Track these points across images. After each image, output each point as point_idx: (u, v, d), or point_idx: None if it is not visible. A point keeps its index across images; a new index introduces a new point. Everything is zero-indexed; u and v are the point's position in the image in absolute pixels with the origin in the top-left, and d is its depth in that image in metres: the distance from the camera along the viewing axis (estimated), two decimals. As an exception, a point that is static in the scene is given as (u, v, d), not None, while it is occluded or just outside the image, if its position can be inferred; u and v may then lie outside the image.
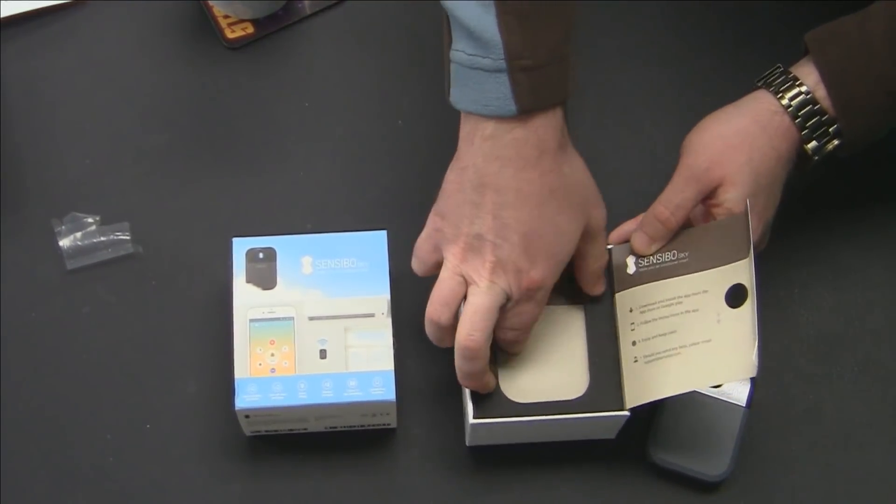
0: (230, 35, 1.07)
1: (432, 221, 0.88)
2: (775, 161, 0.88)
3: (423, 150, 1.04)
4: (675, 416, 0.94)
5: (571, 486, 0.94)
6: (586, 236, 0.87)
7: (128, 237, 0.99)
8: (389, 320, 0.92)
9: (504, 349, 0.89)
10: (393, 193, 1.02)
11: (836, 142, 0.89)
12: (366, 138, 1.04)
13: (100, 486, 0.94)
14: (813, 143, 0.89)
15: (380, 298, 0.92)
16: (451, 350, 0.96)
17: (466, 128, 0.84)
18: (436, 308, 0.86)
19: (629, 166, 1.04)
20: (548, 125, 0.83)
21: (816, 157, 0.89)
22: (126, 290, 0.99)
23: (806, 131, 0.88)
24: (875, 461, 0.95)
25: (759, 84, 0.91)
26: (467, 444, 0.94)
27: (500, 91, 0.81)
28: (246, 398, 0.89)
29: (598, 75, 1.06)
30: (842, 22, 0.88)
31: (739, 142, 0.88)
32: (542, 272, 0.84)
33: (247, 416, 0.91)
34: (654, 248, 0.89)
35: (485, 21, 0.80)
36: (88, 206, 1.00)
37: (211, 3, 1.08)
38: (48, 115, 1.05)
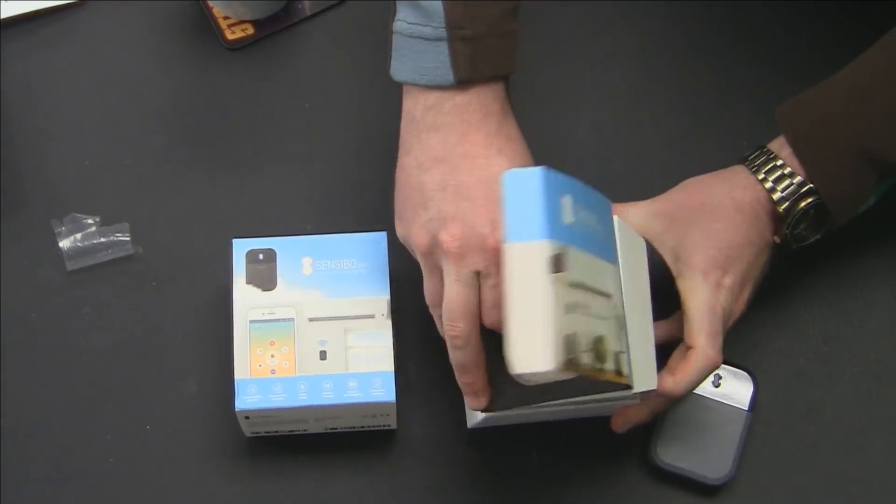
0: (230, 36, 1.07)
1: (399, 233, 0.87)
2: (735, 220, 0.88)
3: (423, 151, 1.03)
4: (677, 419, 0.93)
5: (573, 489, 0.94)
6: None
7: (128, 238, 0.99)
8: (389, 321, 0.91)
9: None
10: (393, 194, 1.02)
11: (808, 199, 0.88)
12: (366, 139, 1.04)
13: (100, 486, 0.93)
14: (786, 205, 0.88)
15: (380, 299, 0.92)
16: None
17: (407, 104, 0.84)
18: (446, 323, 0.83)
19: (629, 166, 1.03)
20: (488, 92, 0.83)
21: (792, 215, 0.88)
22: (126, 290, 0.99)
23: (777, 193, 0.88)
24: (877, 463, 0.95)
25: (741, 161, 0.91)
26: (469, 426, 0.93)
27: (439, 59, 0.81)
28: (246, 399, 0.89)
29: (598, 75, 1.06)
30: (807, 92, 0.89)
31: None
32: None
33: (247, 417, 0.90)
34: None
35: None
36: (88, 206, 1.00)
37: (211, 4, 1.08)
38: (48, 116, 1.04)
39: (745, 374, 0.95)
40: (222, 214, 1.01)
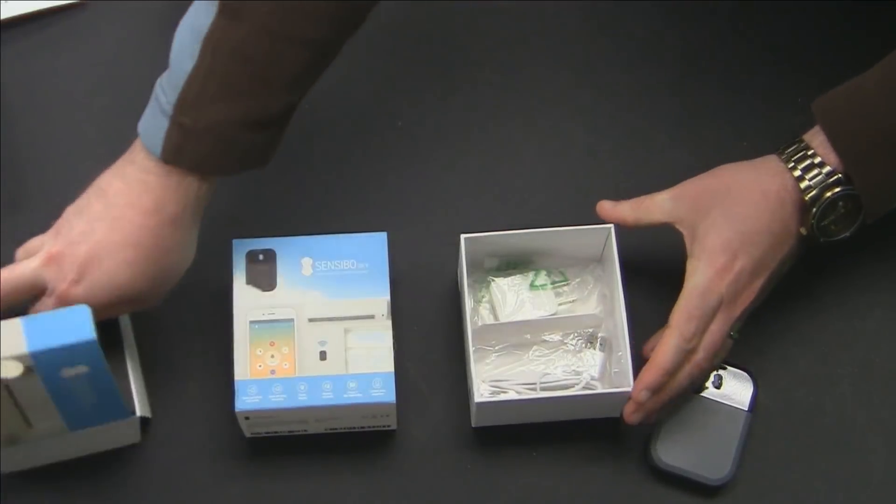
0: (230, 36, 1.07)
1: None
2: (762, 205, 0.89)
3: (423, 152, 1.04)
4: (677, 420, 0.93)
5: (573, 490, 0.94)
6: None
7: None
8: (389, 322, 0.91)
9: None
10: (393, 195, 1.02)
11: (836, 189, 0.88)
12: (366, 139, 1.04)
13: (100, 486, 0.93)
14: (812, 193, 0.88)
15: (380, 300, 0.92)
16: (450, 352, 0.96)
17: (134, 146, 0.87)
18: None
19: (629, 166, 1.03)
20: (178, 192, 0.86)
21: (819, 203, 0.88)
22: (126, 291, 0.99)
23: (805, 182, 0.88)
24: (876, 463, 0.95)
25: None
26: (473, 425, 0.94)
27: (158, 130, 0.84)
28: (246, 400, 0.89)
29: (598, 75, 1.06)
30: (844, 84, 0.89)
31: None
32: (81, 294, 0.85)
33: (247, 418, 0.90)
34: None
35: (183, 61, 0.84)
36: (88, 207, 1.00)
37: (211, 3, 1.08)
38: (48, 117, 1.04)
39: (746, 374, 0.95)
40: (222, 214, 1.01)
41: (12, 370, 0.81)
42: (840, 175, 0.87)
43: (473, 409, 0.92)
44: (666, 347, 0.87)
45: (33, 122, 1.04)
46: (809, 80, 1.05)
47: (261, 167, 0.88)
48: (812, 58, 1.06)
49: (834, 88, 0.90)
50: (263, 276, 0.92)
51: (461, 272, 0.93)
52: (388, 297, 0.92)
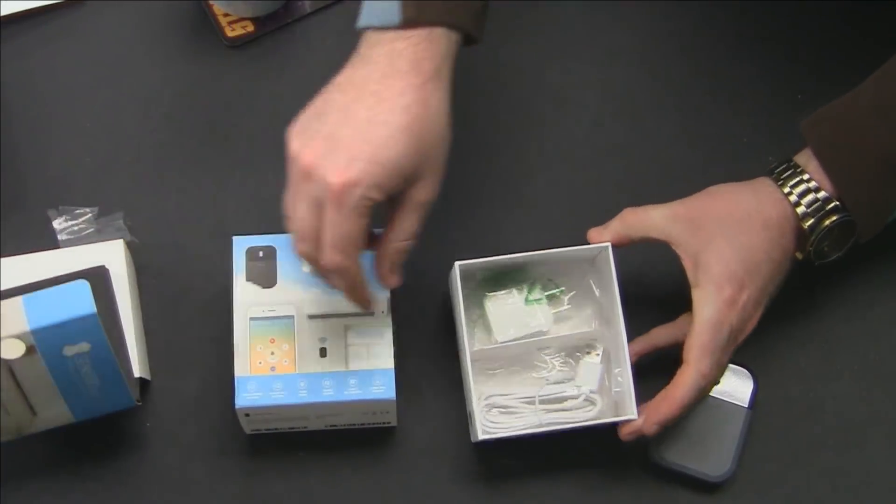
0: (230, 33, 1.07)
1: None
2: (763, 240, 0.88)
3: (423, 149, 1.03)
4: (677, 416, 0.94)
5: (573, 486, 0.94)
6: (408, 202, 0.84)
7: (127, 234, 0.99)
8: (390, 318, 0.91)
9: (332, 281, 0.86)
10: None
11: (833, 217, 0.88)
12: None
13: (100, 484, 0.93)
14: (810, 222, 0.88)
15: (380, 297, 0.92)
16: (450, 348, 0.96)
17: (360, 42, 0.84)
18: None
19: (629, 166, 1.03)
20: (430, 47, 0.82)
21: (816, 233, 0.88)
22: (126, 288, 0.99)
23: (802, 208, 0.88)
24: (876, 460, 0.95)
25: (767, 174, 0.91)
26: (473, 441, 0.94)
27: (390, 3, 0.82)
28: (246, 396, 0.89)
29: (598, 75, 1.06)
30: (832, 105, 0.89)
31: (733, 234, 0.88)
32: (357, 173, 0.79)
33: (247, 415, 0.90)
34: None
35: None
36: (88, 203, 1.00)
37: (211, 1, 1.08)
38: (48, 114, 1.04)
39: (746, 371, 0.95)
40: (222, 211, 1.01)
41: (14, 350, 0.81)
42: (836, 202, 0.87)
43: (474, 434, 0.92)
44: (685, 386, 0.87)
45: (33, 117, 1.04)
46: (809, 80, 1.06)
47: (481, 33, 0.85)
48: (812, 58, 1.07)
49: (822, 109, 0.89)
50: (263, 272, 0.92)
51: (457, 300, 0.92)
52: (388, 294, 0.92)
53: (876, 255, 1.00)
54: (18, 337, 0.80)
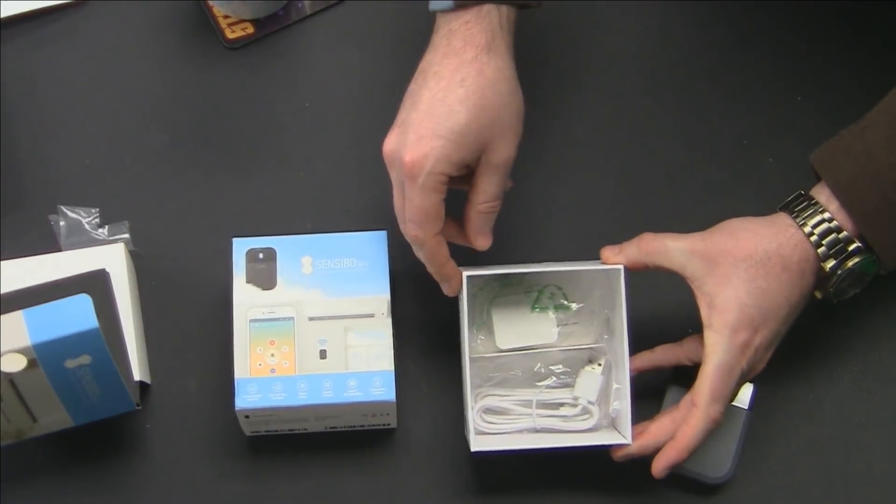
0: (230, 35, 1.07)
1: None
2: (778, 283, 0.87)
3: (423, 151, 1.03)
4: (676, 417, 0.93)
5: (572, 487, 0.94)
6: (484, 167, 0.87)
7: (127, 236, 0.99)
8: (389, 320, 0.91)
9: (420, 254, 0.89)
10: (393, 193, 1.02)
11: (856, 259, 0.86)
12: (366, 138, 1.04)
13: (100, 486, 0.93)
14: (832, 264, 0.87)
15: (380, 298, 0.92)
16: (450, 350, 0.96)
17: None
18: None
19: (629, 166, 1.03)
20: (479, 23, 0.87)
21: (838, 274, 0.87)
22: (126, 290, 0.99)
23: (823, 248, 0.86)
24: (876, 462, 0.95)
25: (781, 209, 0.89)
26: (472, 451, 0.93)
27: None
28: (246, 398, 0.89)
29: (598, 75, 1.06)
30: (841, 136, 0.88)
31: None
32: (424, 148, 0.84)
33: (247, 417, 0.90)
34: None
35: None
36: (88, 205, 1.00)
37: (211, 3, 1.08)
38: (48, 115, 1.04)
39: (745, 373, 0.95)
40: (222, 213, 1.01)
41: (15, 364, 0.81)
42: (858, 243, 0.86)
43: (471, 442, 0.91)
44: (694, 431, 0.86)
45: (33, 120, 1.04)
46: (809, 80, 1.06)
47: None
48: (812, 58, 1.06)
49: (831, 141, 0.88)
50: (263, 274, 0.92)
51: (462, 309, 0.91)
52: (388, 296, 0.92)
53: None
54: (20, 351, 0.80)
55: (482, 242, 0.90)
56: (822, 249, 0.86)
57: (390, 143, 0.87)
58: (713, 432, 0.87)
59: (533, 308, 0.94)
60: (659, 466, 0.87)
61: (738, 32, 1.08)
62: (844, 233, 0.86)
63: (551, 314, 0.94)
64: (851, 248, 0.86)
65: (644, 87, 1.06)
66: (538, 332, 0.94)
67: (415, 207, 0.86)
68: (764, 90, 1.06)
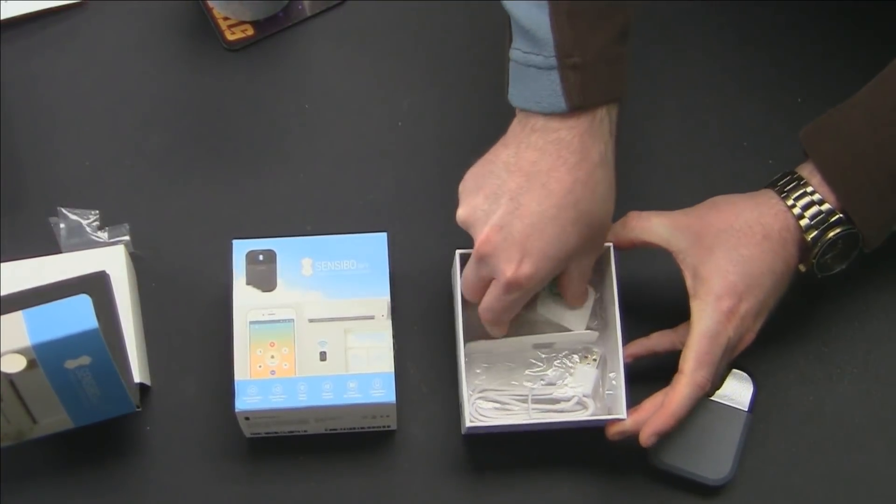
0: (230, 37, 1.07)
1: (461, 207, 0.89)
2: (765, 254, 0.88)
3: (423, 152, 1.04)
4: (676, 419, 0.94)
5: (572, 489, 0.94)
6: (569, 273, 0.89)
7: (127, 238, 0.99)
8: (389, 322, 0.91)
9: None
10: (393, 195, 1.02)
11: (838, 229, 0.87)
12: (366, 140, 1.04)
13: (100, 488, 0.93)
14: (814, 234, 0.88)
15: (380, 300, 0.92)
16: (450, 352, 0.96)
17: (520, 118, 0.86)
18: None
19: (629, 166, 1.03)
20: (594, 132, 0.85)
21: (819, 245, 0.88)
22: (126, 291, 0.99)
23: (805, 220, 0.88)
24: (876, 463, 0.95)
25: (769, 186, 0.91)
26: (463, 432, 0.94)
27: (551, 88, 0.83)
28: (246, 400, 0.89)
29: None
30: (830, 114, 0.88)
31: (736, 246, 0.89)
32: (529, 269, 0.85)
33: (247, 418, 0.90)
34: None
35: (538, 20, 0.83)
36: (88, 207, 1.00)
37: (211, 4, 1.08)
38: (48, 117, 1.04)
39: (745, 375, 0.95)
40: (222, 215, 1.01)
41: (15, 364, 0.81)
42: (840, 215, 0.87)
43: (465, 426, 0.92)
44: (680, 396, 0.87)
45: (33, 122, 1.04)
46: (810, 81, 1.06)
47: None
48: (813, 59, 1.06)
49: (821, 118, 0.89)
50: (263, 276, 0.92)
51: (455, 290, 0.93)
52: (388, 298, 0.92)
53: (875, 257, 1.00)
54: (19, 352, 0.80)
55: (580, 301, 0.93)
56: (804, 221, 0.87)
57: (487, 245, 0.85)
58: (700, 399, 0.88)
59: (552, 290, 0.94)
60: (646, 433, 0.88)
61: (738, 33, 1.08)
62: (827, 205, 0.87)
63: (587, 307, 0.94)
64: (833, 219, 0.87)
65: (644, 87, 1.06)
66: (570, 316, 0.94)
67: (502, 308, 0.88)
68: (764, 91, 1.06)
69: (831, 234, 0.87)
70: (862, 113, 0.87)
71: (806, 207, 0.88)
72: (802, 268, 0.90)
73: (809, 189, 0.88)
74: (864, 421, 0.96)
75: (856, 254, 0.90)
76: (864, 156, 0.86)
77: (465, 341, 0.92)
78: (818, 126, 0.89)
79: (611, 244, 0.92)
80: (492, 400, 0.93)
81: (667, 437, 0.92)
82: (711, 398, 0.94)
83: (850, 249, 0.89)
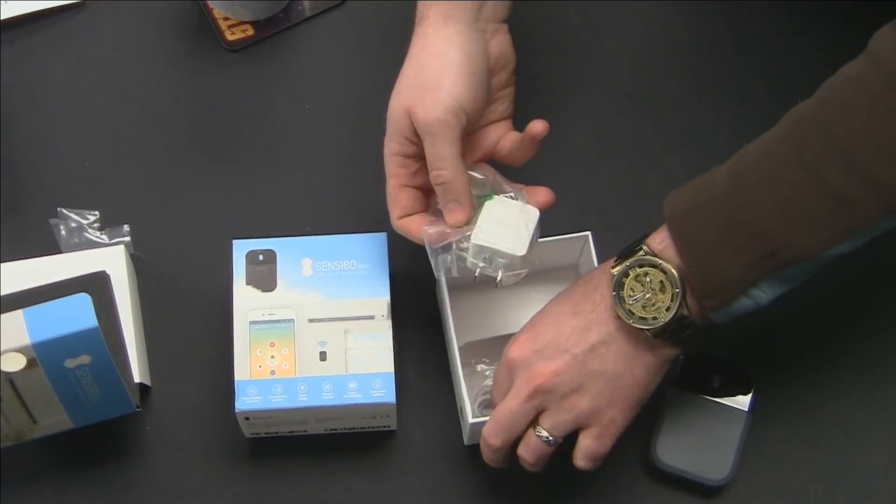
0: (230, 37, 1.07)
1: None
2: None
3: (423, 152, 1.03)
4: (677, 421, 0.93)
5: (573, 490, 0.94)
6: None
7: (127, 239, 0.99)
8: (389, 322, 0.92)
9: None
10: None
11: (637, 256, 0.83)
12: (366, 140, 1.04)
13: (100, 489, 0.93)
14: (619, 266, 0.84)
15: (380, 301, 0.92)
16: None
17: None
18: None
19: (629, 166, 1.03)
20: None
21: (614, 274, 0.84)
22: (126, 292, 0.99)
23: (618, 267, 0.84)
24: (876, 464, 0.95)
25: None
26: (465, 443, 0.94)
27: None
28: (246, 400, 0.89)
29: (598, 75, 1.06)
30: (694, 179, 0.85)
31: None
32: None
33: (247, 419, 0.90)
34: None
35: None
36: (88, 208, 1.00)
37: (211, 5, 1.08)
38: (48, 118, 1.05)
39: (745, 375, 0.95)
40: (222, 215, 1.01)
41: (15, 363, 0.81)
42: (645, 248, 0.83)
43: (466, 430, 0.92)
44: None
45: (33, 122, 1.04)
46: (809, 82, 1.05)
47: None
48: (813, 59, 1.06)
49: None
50: (263, 276, 0.93)
51: (440, 288, 0.92)
52: (388, 298, 0.92)
53: (873, 257, 1.00)
54: (19, 350, 0.80)
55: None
56: (617, 269, 0.84)
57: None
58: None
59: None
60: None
61: (738, 33, 1.08)
62: (643, 247, 0.84)
63: (526, 229, 0.88)
64: (637, 248, 0.84)
65: (644, 87, 1.06)
66: (510, 241, 0.87)
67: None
68: (764, 92, 1.06)
69: (630, 260, 0.84)
70: (720, 169, 0.83)
71: (626, 255, 0.85)
72: (620, 312, 0.84)
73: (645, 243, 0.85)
74: (863, 421, 0.96)
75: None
76: (709, 201, 0.82)
77: (458, 344, 0.92)
78: (679, 190, 0.85)
79: (588, 234, 0.92)
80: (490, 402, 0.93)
81: (668, 437, 0.92)
82: (712, 399, 0.94)
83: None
